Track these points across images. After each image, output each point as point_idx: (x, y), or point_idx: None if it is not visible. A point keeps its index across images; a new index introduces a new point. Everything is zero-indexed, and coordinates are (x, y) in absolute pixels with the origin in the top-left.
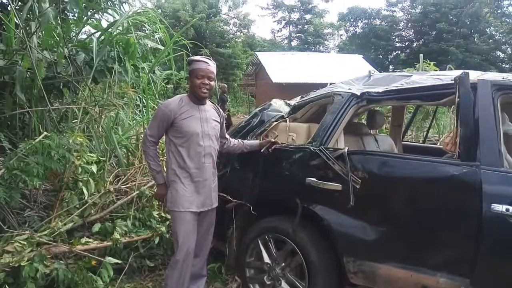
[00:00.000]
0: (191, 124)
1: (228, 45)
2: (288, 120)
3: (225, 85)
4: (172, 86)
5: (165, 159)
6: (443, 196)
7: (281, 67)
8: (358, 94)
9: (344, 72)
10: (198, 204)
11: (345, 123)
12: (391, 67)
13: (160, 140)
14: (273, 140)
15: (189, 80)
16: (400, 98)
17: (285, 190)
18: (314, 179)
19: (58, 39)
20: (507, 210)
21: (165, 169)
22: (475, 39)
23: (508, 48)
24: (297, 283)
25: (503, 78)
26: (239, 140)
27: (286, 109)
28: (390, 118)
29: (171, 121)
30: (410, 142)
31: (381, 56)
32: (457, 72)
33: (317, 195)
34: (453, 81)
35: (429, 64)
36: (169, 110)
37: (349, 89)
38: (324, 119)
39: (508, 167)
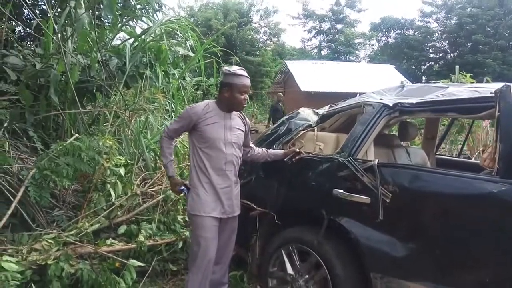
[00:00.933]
0: (214, 130)
1: (258, 53)
2: (316, 129)
3: (281, 94)
4: (202, 92)
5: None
6: (479, 214)
7: (310, 75)
8: (391, 105)
9: (375, 82)
10: (219, 210)
11: (376, 134)
12: (424, 78)
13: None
14: (297, 150)
15: (227, 92)
16: (436, 110)
17: (311, 200)
18: (341, 191)
19: (92, 44)
20: None
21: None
22: None
23: None
24: None
25: None
26: (264, 149)
27: (314, 118)
28: (423, 130)
29: (193, 124)
30: (443, 155)
31: (413, 67)
32: (496, 85)
33: (344, 207)
34: (493, 94)
35: (465, 76)
36: (194, 113)
37: (381, 99)
38: (353, 129)
39: None
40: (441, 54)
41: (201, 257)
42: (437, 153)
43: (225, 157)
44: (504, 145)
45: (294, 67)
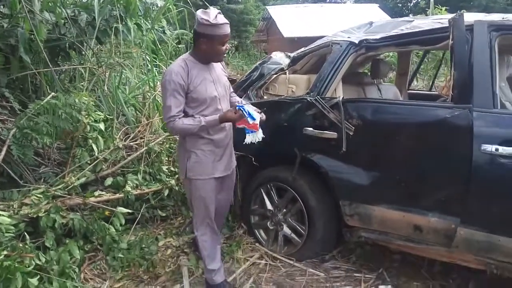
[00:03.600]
0: (205, 88)
1: (239, 0)
2: (287, 72)
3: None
4: (184, 46)
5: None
6: (435, 139)
7: (293, 21)
8: (357, 42)
9: (359, 22)
10: (221, 169)
11: (344, 72)
12: (411, 15)
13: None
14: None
15: (205, 44)
16: (399, 44)
17: (284, 141)
18: (311, 129)
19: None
20: (497, 150)
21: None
22: None
23: None
24: (298, 227)
25: (502, 19)
26: (241, 99)
27: (286, 61)
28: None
29: (186, 90)
30: (416, 90)
31: (400, 5)
32: (469, 16)
33: (315, 144)
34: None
35: (441, 10)
36: (179, 77)
37: (348, 37)
38: (322, 69)
39: None
40: None
41: (206, 216)
42: (410, 88)
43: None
44: (458, 73)
45: (276, 12)
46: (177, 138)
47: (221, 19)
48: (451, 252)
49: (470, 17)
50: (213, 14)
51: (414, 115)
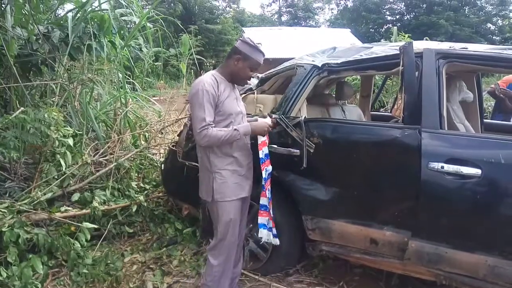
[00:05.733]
0: (233, 104)
1: (217, 21)
2: (256, 92)
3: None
4: (161, 63)
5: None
6: (388, 157)
7: (268, 42)
8: (319, 65)
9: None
10: (247, 188)
11: (307, 93)
12: (382, 40)
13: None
14: None
15: (239, 61)
16: (357, 69)
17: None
18: (275, 146)
19: (28, 16)
20: (442, 167)
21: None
22: (466, 12)
23: (499, 20)
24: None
25: (449, 47)
26: None
27: (255, 82)
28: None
29: (216, 102)
30: (378, 111)
31: (372, 30)
32: (417, 43)
33: (279, 161)
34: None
35: (404, 36)
36: (211, 88)
37: (313, 61)
38: (287, 90)
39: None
40: (398, 16)
41: (231, 241)
42: (373, 110)
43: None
44: (408, 96)
45: (252, 34)
46: (199, 159)
47: (262, 49)
48: (404, 264)
49: (420, 45)
50: (256, 42)
51: (369, 135)
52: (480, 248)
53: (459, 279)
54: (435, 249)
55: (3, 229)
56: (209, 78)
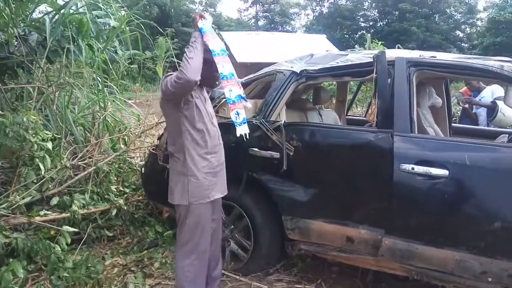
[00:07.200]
0: (203, 105)
1: None
2: None
3: None
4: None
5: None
6: (362, 160)
7: (246, 47)
8: (298, 71)
9: (306, 51)
10: (219, 190)
11: (287, 98)
12: (357, 46)
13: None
14: None
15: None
16: (334, 75)
17: (232, 160)
18: (256, 149)
19: (7, 19)
20: (413, 168)
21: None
22: (436, 19)
23: (467, 28)
24: (244, 242)
25: (419, 56)
26: None
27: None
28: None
29: (190, 95)
30: (353, 116)
31: (347, 36)
32: (390, 52)
33: (260, 163)
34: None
35: (377, 43)
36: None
37: (291, 67)
38: (267, 95)
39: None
40: (371, 23)
41: (200, 244)
42: (348, 114)
43: (217, 130)
44: (381, 102)
45: (230, 38)
46: (171, 164)
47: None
48: (378, 261)
49: (392, 53)
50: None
51: (345, 138)
52: (448, 244)
53: (429, 273)
54: (407, 246)
55: None
56: None
